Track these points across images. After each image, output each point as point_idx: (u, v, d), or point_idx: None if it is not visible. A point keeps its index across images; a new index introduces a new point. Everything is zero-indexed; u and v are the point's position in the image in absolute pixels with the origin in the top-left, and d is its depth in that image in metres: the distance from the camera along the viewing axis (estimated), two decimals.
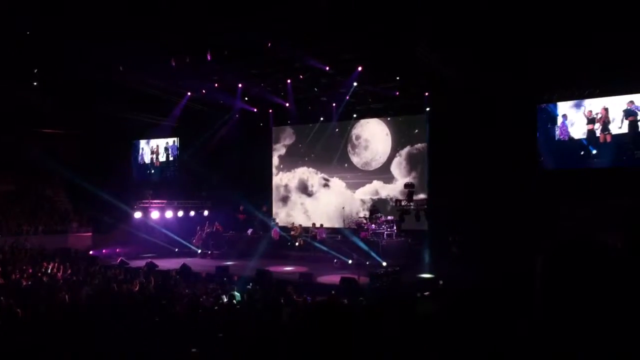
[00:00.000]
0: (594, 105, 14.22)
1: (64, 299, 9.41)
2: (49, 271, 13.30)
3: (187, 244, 19.89)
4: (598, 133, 14.04)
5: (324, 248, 17.07)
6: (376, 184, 19.65)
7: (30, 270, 13.12)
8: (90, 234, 22.07)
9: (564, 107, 14.73)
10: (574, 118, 14.49)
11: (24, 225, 21.14)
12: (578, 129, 14.43)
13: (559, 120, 14.71)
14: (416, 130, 18.80)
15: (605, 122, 13.91)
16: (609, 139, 13.88)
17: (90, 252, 18.98)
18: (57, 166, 21.50)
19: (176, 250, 19.64)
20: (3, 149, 20.93)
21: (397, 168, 19.22)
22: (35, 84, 18.24)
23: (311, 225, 19.16)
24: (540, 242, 11.12)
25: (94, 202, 20.57)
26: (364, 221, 17.40)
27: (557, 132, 14.73)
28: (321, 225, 18.90)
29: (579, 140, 14.39)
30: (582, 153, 14.27)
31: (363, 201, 19.76)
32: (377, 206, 18.27)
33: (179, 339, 6.77)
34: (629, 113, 13.59)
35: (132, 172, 24.10)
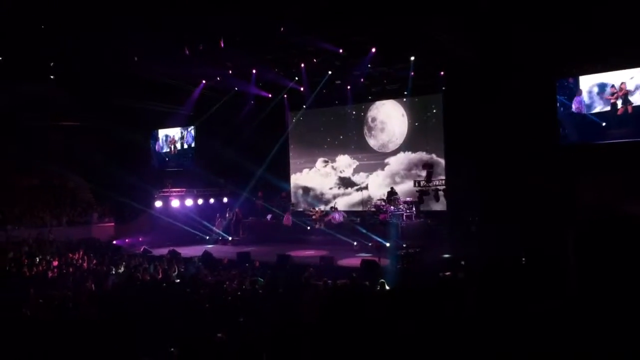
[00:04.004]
0: (614, 78, 14.01)
1: (90, 289, 9.63)
2: (75, 262, 13.56)
3: (208, 231, 20.08)
4: (619, 105, 13.90)
5: (344, 231, 17.08)
6: (394, 166, 19.56)
7: (56, 262, 13.39)
8: (112, 224, 22.41)
9: (583, 81, 14.51)
10: (594, 91, 14.33)
11: (48, 217, 21.54)
12: (599, 102, 14.26)
13: (579, 94, 14.51)
14: (433, 110, 18.63)
15: (626, 95, 13.74)
16: (630, 110, 13.74)
17: (114, 242, 19.27)
18: (78, 158, 21.81)
19: (197, 237, 19.82)
20: (25, 144, 21.26)
21: (415, 148, 19.09)
22: (52, 77, 18.44)
23: (329, 209, 19.23)
24: (563, 219, 10.99)
25: (116, 193, 20.85)
26: (383, 203, 17.37)
27: (578, 106, 14.54)
28: (336, 208, 19.02)
29: (600, 113, 14.22)
30: (603, 125, 14.10)
31: (381, 183, 19.69)
32: (395, 188, 18.21)
33: (204, 324, 6.89)
34: None
35: (152, 161, 24.34)
